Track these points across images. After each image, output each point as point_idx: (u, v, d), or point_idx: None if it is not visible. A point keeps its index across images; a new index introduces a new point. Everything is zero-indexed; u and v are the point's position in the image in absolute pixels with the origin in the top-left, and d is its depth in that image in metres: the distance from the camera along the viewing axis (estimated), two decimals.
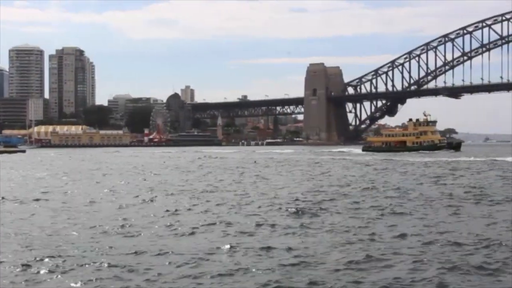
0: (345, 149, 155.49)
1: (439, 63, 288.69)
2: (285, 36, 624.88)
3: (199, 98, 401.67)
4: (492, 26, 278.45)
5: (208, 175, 51.51)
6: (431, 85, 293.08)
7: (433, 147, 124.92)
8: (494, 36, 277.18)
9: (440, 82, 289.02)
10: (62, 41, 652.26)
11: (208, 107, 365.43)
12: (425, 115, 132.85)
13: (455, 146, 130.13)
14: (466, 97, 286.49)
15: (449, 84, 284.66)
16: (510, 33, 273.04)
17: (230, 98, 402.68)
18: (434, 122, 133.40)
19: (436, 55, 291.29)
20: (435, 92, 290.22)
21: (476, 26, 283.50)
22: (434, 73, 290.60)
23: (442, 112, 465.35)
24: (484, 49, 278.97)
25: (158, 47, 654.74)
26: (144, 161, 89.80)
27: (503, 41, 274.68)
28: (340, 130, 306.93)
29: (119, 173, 56.50)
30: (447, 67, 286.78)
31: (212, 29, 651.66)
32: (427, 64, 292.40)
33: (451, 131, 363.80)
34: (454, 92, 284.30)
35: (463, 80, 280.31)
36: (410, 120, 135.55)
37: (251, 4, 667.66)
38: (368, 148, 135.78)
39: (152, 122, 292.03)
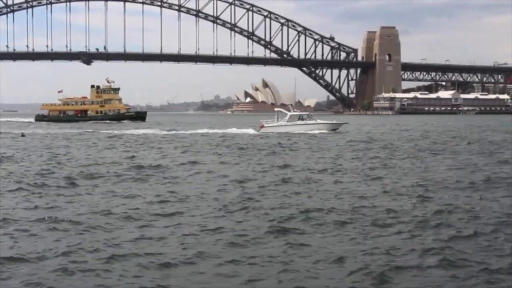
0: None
1: None
2: None
3: None
4: None
5: None
6: None
7: (119, 116, 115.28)
8: None
9: None
10: None
11: None
12: (108, 81, 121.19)
13: (142, 116, 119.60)
14: None
15: None
16: (15, 2, 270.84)
17: None
18: (117, 90, 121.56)
19: None
20: None
21: None
22: None
23: None
24: None
25: None
26: None
27: (8, 9, 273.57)
28: None
29: None
30: None
31: None
32: None
33: None
34: None
35: None
36: (92, 86, 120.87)
37: None
38: (42, 118, 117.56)
39: None
